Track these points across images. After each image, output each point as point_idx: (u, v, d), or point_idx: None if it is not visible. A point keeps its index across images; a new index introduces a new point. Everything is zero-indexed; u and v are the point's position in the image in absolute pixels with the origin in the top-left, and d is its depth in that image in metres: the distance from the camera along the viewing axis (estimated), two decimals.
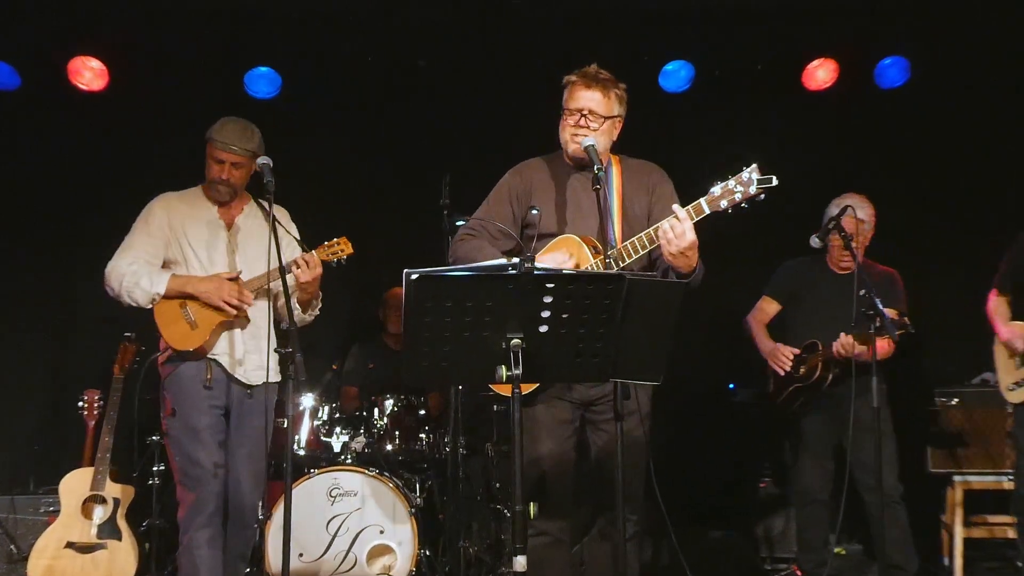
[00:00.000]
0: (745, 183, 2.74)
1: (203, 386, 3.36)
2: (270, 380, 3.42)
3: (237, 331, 3.43)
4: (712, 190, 2.78)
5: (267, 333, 3.42)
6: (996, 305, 4.10)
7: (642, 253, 2.89)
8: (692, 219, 2.75)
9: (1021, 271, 4.02)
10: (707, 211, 2.78)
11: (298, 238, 3.53)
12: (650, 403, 3.05)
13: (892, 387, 4.10)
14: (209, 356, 3.40)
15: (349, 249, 3.41)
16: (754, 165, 2.75)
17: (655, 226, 2.83)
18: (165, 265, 3.48)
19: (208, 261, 3.47)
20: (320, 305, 3.58)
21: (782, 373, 4.15)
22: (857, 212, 3.98)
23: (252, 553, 3.74)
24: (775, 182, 2.73)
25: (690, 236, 2.72)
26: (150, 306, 3.42)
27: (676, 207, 2.76)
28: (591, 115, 3.01)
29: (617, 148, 3.14)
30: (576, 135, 3.01)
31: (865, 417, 3.64)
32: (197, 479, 3.35)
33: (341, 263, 3.42)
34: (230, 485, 3.41)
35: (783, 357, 4.13)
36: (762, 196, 2.74)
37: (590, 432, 3.05)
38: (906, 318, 3.71)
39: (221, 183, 3.48)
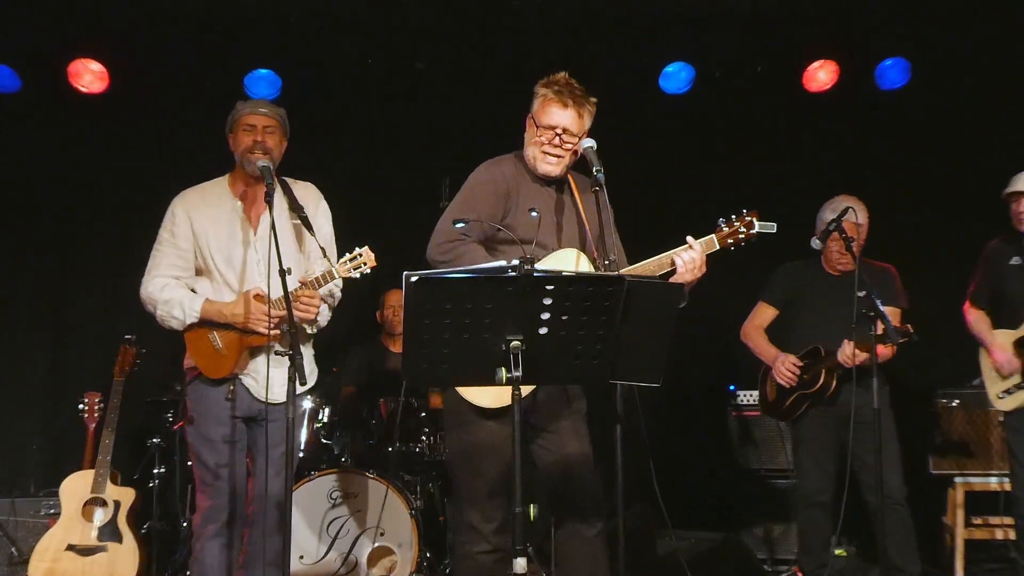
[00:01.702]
0: (747, 225, 2.97)
1: (224, 398, 3.26)
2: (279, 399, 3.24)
3: (261, 356, 3.27)
4: (720, 227, 2.98)
5: (297, 335, 3.19)
6: (976, 318, 4.11)
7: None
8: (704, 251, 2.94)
9: (994, 283, 4.03)
10: (717, 247, 2.98)
11: (329, 232, 3.36)
12: (587, 404, 3.05)
13: (894, 388, 4.10)
14: (237, 376, 3.28)
15: (372, 261, 3.18)
16: (755, 211, 2.99)
17: (666, 255, 2.91)
18: (197, 272, 3.36)
19: (235, 272, 3.30)
20: (328, 316, 3.42)
21: (788, 386, 4.12)
22: (857, 215, 3.97)
23: None
24: (775, 229, 2.98)
25: (704, 266, 2.92)
26: (188, 326, 3.31)
27: (691, 239, 2.92)
28: (565, 134, 2.96)
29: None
30: (548, 154, 2.98)
31: (868, 418, 3.64)
32: (211, 487, 3.26)
33: (364, 276, 3.23)
34: (256, 492, 3.29)
35: (788, 371, 4.09)
36: (755, 240, 2.99)
37: (538, 438, 2.99)
38: (909, 326, 3.69)
39: (255, 150, 3.26)
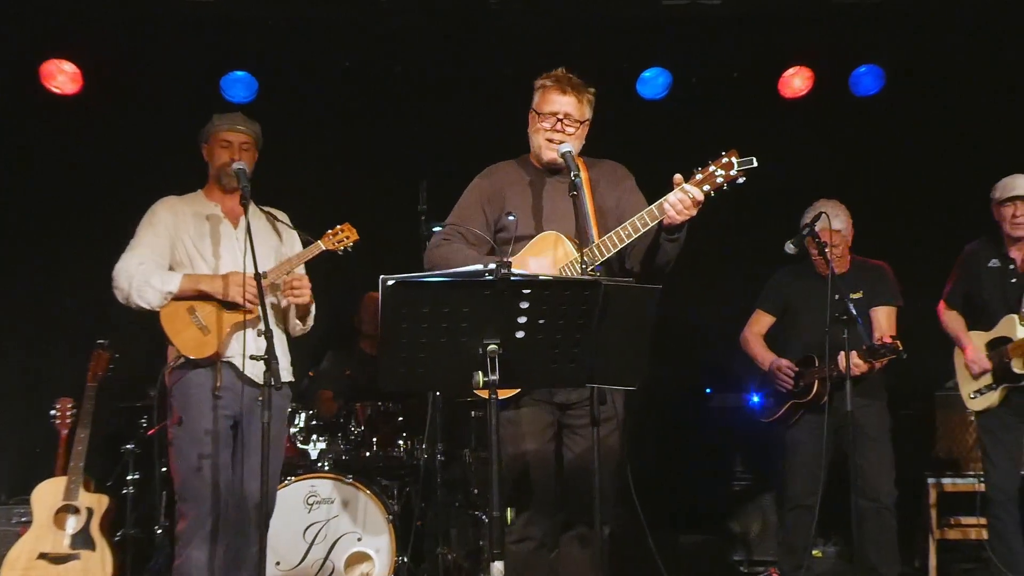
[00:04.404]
0: (725, 167, 2.82)
1: (212, 394, 3.20)
2: (283, 379, 3.18)
3: (249, 331, 3.24)
4: (693, 174, 2.85)
5: (281, 330, 3.27)
6: (950, 318, 4.16)
7: (620, 247, 2.89)
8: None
9: (971, 285, 4.09)
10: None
11: (287, 247, 3.44)
12: (624, 410, 3.05)
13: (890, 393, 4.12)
14: (222, 359, 3.24)
15: (354, 235, 3.29)
16: (733, 150, 2.84)
17: (630, 220, 2.87)
18: (171, 269, 3.32)
19: (215, 261, 3.31)
20: (313, 313, 3.47)
21: (784, 391, 4.12)
22: (832, 222, 3.99)
23: None
24: (755, 163, 2.80)
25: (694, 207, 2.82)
26: (160, 307, 3.23)
27: (684, 184, 2.82)
28: (567, 119, 3.02)
29: (585, 151, 3.13)
30: (552, 140, 3.02)
31: (860, 421, 3.65)
32: (198, 493, 3.18)
33: (348, 251, 3.31)
34: (234, 497, 3.24)
35: (785, 376, 4.10)
36: (742, 179, 2.82)
37: (565, 437, 3.04)
38: (898, 342, 3.71)
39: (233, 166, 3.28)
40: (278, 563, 3.98)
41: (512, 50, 5.05)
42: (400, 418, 4.46)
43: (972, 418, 4.15)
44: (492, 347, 2.34)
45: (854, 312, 3.55)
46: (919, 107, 5.35)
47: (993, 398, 3.98)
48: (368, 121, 5.37)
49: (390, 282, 2.29)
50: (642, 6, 5.05)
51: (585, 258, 2.81)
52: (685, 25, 5.12)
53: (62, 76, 5.04)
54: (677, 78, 5.33)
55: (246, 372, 3.26)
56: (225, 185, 3.38)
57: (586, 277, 2.72)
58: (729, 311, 4.48)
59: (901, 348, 3.70)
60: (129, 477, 4.29)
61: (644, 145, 5.31)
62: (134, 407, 4.50)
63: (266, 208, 3.46)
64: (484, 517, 4.35)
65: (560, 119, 3.01)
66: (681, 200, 2.79)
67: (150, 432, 4.36)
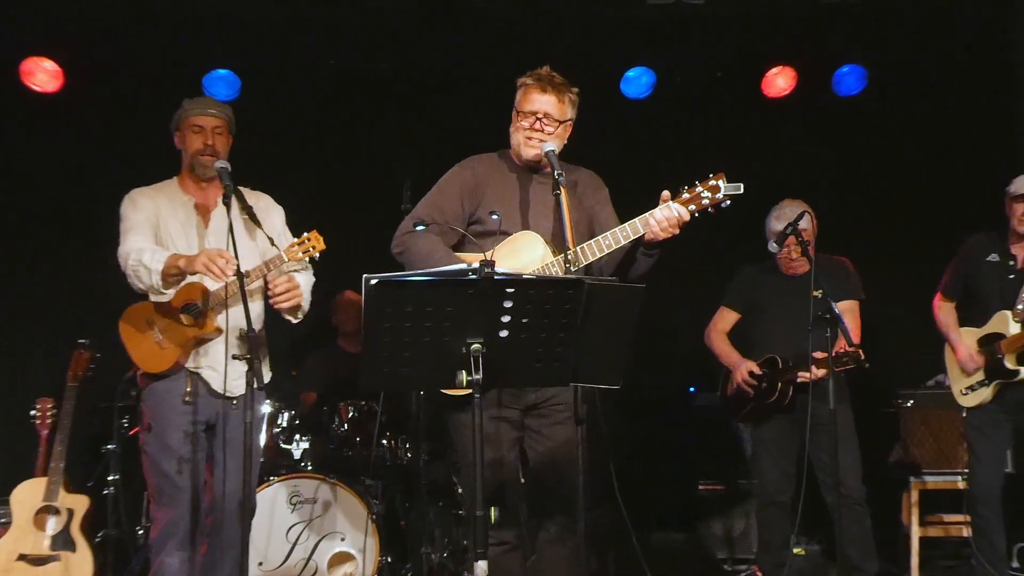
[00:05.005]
0: (712, 189, 2.84)
1: (182, 401, 3.15)
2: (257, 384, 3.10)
3: (218, 341, 3.18)
4: (680, 193, 2.86)
5: (253, 338, 3.14)
6: (944, 313, 4.16)
7: (599, 256, 2.90)
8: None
9: (969, 278, 4.10)
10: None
11: (269, 234, 3.28)
12: (586, 408, 2.99)
13: (852, 390, 4.15)
14: (191, 369, 3.19)
15: (321, 244, 3.16)
16: (721, 173, 2.86)
17: (612, 231, 2.88)
18: None
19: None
20: (305, 308, 3.38)
21: (751, 393, 4.14)
22: (802, 221, 4.02)
23: None
24: (742, 190, 2.84)
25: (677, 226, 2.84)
26: (159, 285, 3.13)
27: (671, 201, 2.84)
28: (546, 119, 3.01)
29: (569, 150, 3.12)
30: (531, 139, 3.02)
31: (826, 421, 3.68)
32: (171, 498, 3.15)
33: (314, 260, 3.23)
34: (215, 501, 3.20)
35: (746, 381, 4.10)
36: (727, 202, 2.85)
37: (528, 438, 3.01)
38: (861, 351, 3.73)
39: (206, 153, 3.25)
40: (261, 563, 3.96)
41: (497, 49, 5.05)
42: (383, 417, 4.44)
43: (964, 415, 4.15)
44: (476, 346, 2.34)
45: (837, 311, 3.57)
46: (902, 107, 5.39)
47: (985, 394, 3.97)
48: (352, 119, 5.35)
49: (373, 281, 2.28)
50: (627, 5, 5.07)
51: (568, 260, 2.79)
52: (669, 24, 5.14)
53: (43, 74, 5.00)
54: (661, 77, 5.35)
55: (221, 390, 3.20)
56: (200, 174, 3.31)
57: (570, 276, 2.72)
58: (712, 309, 4.49)
59: (864, 357, 3.71)
60: (110, 478, 4.26)
61: (628, 144, 5.35)
62: (115, 407, 4.46)
63: (247, 192, 3.35)
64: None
65: (539, 118, 3.00)
66: (667, 217, 2.82)
67: (131, 432, 4.33)
